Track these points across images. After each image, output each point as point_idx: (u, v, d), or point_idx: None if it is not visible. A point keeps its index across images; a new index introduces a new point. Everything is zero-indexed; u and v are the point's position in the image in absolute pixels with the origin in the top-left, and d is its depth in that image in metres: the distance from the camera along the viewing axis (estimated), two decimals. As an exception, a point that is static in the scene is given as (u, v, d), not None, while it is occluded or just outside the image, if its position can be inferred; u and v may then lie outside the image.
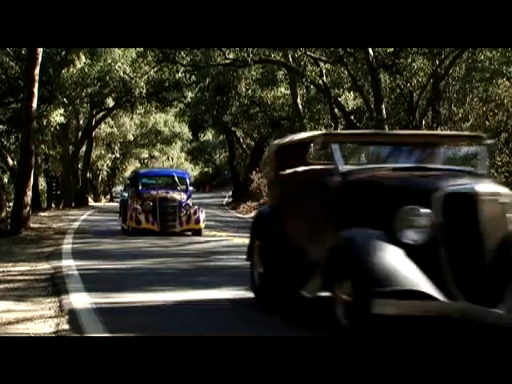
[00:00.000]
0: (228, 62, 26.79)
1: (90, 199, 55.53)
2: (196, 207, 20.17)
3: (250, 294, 8.47)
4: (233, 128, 44.16)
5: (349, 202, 6.62)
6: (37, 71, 20.21)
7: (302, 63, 27.37)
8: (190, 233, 19.88)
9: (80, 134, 47.60)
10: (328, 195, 6.85)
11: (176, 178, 22.00)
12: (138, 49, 32.19)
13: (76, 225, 25.39)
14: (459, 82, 25.50)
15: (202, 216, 19.94)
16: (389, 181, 6.60)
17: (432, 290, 5.61)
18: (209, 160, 76.48)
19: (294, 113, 30.26)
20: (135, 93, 37.14)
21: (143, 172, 25.17)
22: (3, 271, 11.77)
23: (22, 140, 21.51)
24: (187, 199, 20.43)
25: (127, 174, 68.68)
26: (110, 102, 41.20)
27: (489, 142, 7.79)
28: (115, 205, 44.07)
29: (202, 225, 19.94)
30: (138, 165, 75.58)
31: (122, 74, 35.33)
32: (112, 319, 7.06)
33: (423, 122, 24.23)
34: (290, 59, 26.97)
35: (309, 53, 25.56)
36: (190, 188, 21.59)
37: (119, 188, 48.04)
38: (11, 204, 22.60)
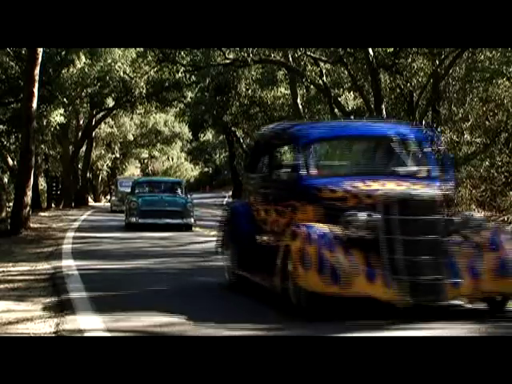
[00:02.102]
0: (228, 62, 26.76)
1: (90, 199, 55.52)
2: (495, 227, 8.68)
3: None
4: (233, 128, 44.15)
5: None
6: (37, 71, 20.20)
7: (302, 63, 27.35)
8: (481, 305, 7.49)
9: (80, 134, 47.59)
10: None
11: (396, 144, 8.41)
12: (137, 49, 32.18)
13: (76, 224, 25.40)
14: (459, 82, 25.48)
15: None
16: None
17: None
18: (209, 160, 76.40)
19: (294, 113, 30.24)
20: (135, 93, 37.11)
21: (315, 130, 8.92)
22: (3, 271, 11.77)
23: (22, 140, 21.51)
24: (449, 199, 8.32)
25: (127, 173, 68.47)
26: (110, 102, 41.17)
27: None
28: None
29: None
30: (138, 165, 75.42)
31: (122, 74, 35.31)
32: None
33: (423, 122, 24.21)
34: (290, 59, 26.96)
35: (309, 53, 25.53)
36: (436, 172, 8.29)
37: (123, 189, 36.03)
38: (11, 204, 22.61)
